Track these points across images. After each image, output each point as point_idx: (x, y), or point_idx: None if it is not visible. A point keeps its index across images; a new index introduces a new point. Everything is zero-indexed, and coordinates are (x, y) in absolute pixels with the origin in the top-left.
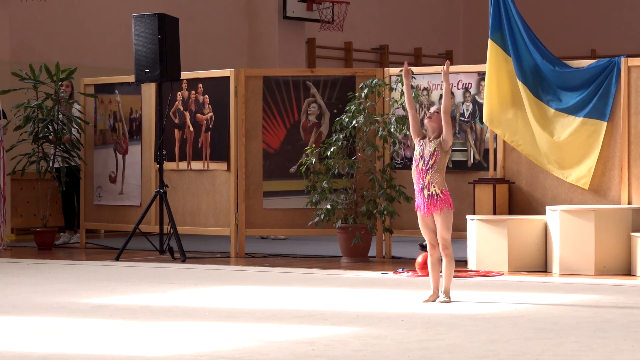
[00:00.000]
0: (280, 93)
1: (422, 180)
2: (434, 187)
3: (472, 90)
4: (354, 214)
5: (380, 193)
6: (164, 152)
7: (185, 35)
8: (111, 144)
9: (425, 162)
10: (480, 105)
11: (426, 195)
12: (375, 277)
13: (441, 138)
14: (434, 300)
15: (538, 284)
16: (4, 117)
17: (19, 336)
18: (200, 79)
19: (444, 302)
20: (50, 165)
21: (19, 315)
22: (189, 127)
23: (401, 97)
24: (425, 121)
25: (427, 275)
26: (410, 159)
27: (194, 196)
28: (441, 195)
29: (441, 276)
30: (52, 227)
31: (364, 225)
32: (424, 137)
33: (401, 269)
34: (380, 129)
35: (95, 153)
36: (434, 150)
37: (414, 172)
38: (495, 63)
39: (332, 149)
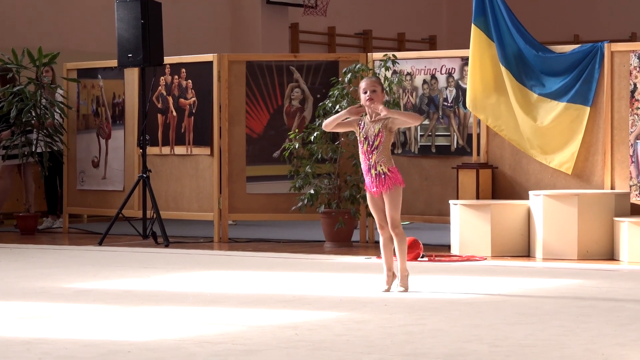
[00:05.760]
0: (263, 78)
1: (368, 161)
2: (381, 166)
3: (456, 75)
4: (337, 199)
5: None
6: (147, 137)
7: (168, 20)
8: (94, 129)
9: (370, 144)
10: (464, 90)
11: (374, 175)
12: (358, 262)
13: (390, 120)
14: (392, 283)
15: (521, 269)
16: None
17: (2, 321)
18: (183, 63)
19: (402, 291)
20: (33, 150)
21: (2, 300)
22: (172, 112)
23: (384, 82)
24: (367, 102)
25: (412, 259)
26: (394, 144)
27: (177, 181)
28: (389, 174)
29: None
30: (35, 212)
31: (347, 210)
32: (358, 119)
33: None
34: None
35: (78, 138)
36: (379, 131)
37: (360, 153)
38: (479, 48)
39: (315, 134)
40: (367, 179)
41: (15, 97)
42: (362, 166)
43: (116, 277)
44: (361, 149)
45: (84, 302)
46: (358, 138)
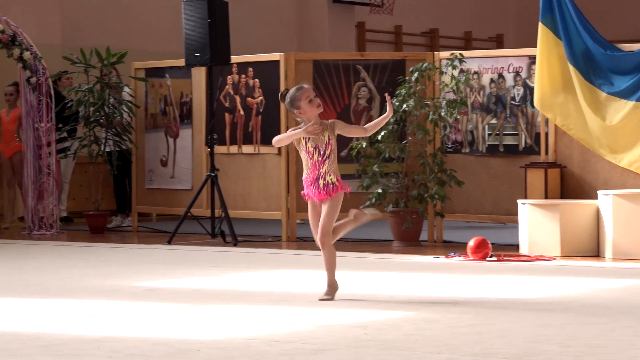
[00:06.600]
0: (330, 77)
1: (317, 171)
2: (330, 175)
3: (523, 74)
4: (405, 198)
5: (431, 177)
6: (215, 136)
7: (235, 19)
8: (162, 128)
9: (322, 153)
10: (531, 89)
11: (321, 185)
12: (427, 262)
13: (332, 124)
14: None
15: (590, 269)
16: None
17: (73, 319)
18: (250, 62)
19: (325, 299)
20: (102, 149)
21: (72, 298)
22: (239, 111)
23: (451, 81)
24: (313, 111)
25: (480, 259)
26: (462, 143)
27: (245, 180)
28: (337, 183)
29: None
30: (104, 210)
31: (415, 210)
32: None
33: (453, 253)
34: (431, 112)
35: (146, 137)
36: (329, 139)
37: (306, 164)
38: (546, 46)
39: (382, 133)
40: (311, 189)
41: (85, 96)
42: (307, 177)
43: (185, 276)
44: (310, 160)
45: (153, 301)
46: (304, 148)
